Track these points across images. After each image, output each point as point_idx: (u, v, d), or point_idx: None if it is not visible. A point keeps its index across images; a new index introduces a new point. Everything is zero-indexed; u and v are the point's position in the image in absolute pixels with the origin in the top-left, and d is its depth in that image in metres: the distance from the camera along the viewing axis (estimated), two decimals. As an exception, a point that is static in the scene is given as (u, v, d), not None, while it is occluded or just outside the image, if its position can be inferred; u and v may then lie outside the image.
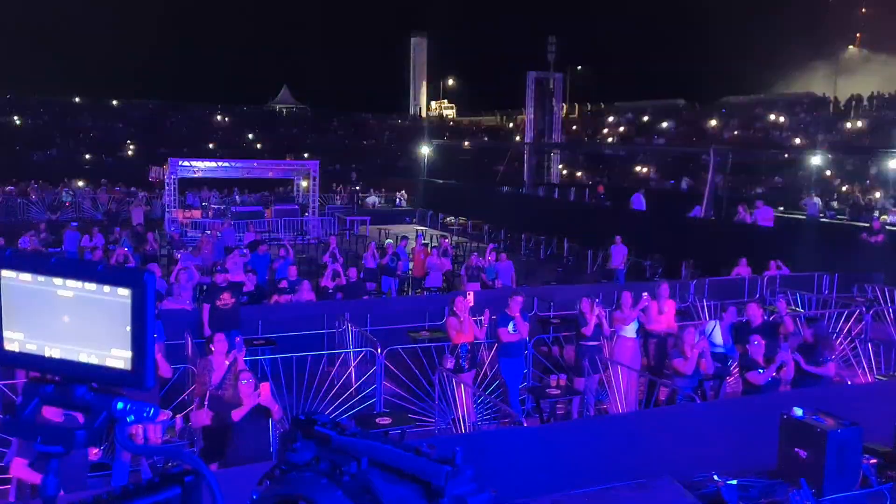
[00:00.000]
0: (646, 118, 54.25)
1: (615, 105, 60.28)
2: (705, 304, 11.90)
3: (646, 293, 9.60)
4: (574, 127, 55.23)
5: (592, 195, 24.82)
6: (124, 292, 0.93)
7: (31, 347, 0.97)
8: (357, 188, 37.03)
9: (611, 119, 57.37)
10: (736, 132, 46.28)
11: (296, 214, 26.86)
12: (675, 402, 7.89)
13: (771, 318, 9.49)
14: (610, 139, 51.79)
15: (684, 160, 37.86)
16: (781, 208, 22.05)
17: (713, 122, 49.33)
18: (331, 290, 12.28)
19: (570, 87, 50.66)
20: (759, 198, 21.71)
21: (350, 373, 8.93)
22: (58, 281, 0.94)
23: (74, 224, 19.32)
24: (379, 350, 8.48)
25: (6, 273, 0.95)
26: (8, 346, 0.97)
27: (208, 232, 20.94)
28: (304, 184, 29.25)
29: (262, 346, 9.69)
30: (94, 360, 0.95)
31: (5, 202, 30.18)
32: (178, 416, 7.41)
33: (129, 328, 0.93)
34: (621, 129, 54.39)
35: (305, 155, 48.43)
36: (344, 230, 26.34)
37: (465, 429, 7.82)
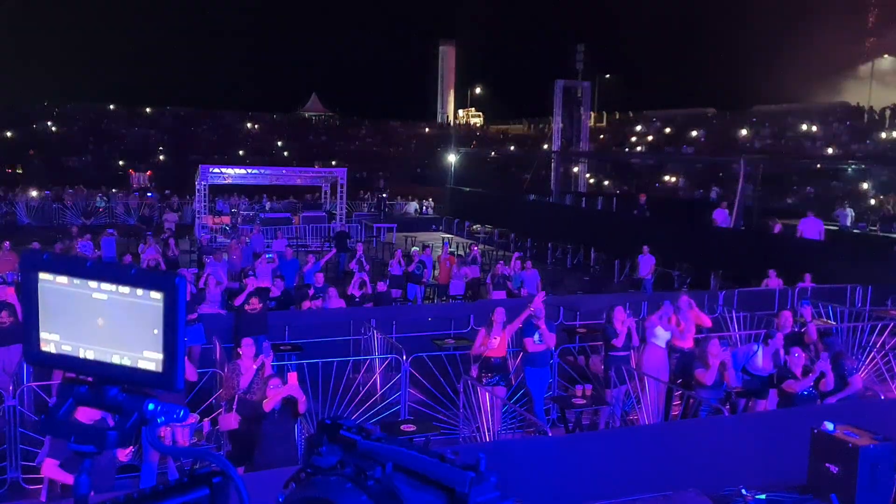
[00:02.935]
0: (675, 127, 53.79)
1: (643, 113, 59.92)
2: (734, 315, 11.73)
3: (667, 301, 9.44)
4: (602, 135, 55.00)
5: (633, 205, 24.16)
6: (157, 295, 0.95)
7: (67, 349, 0.99)
8: (384, 195, 37.20)
9: (639, 128, 57.02)
10: (767, 141, 45.69)
11: (323, 221, 27.06)
12: (699, 413, 7.77)
13: (801, 329, 9.34)
14: (638, 148, 51.45)
15: (714, 169, 37.46)
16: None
17: (744, 132, 48.79)
18: (357, 299, 12.34)
19: (598, 96, 50.45)
20: (793, 208, 21.32)
21: (375, 379, 8.95)
22: (93, 284, 0.96)
23: (111, 231, 19.64)
24: (404, 357, 8.49)
25: (44, 276, 0.97)
26: (45, 347, 0.99)
27: (237, 238, 21.18)
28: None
29: (289, 352, 9.76)
30: (126, 362, 0.97)
31: (41, 207, 30.86)
32: (206, 419, 7.49)
33: (160, 331, 0.95)
34: (650, 137, 54.02)
35: (333, 162, 48.83)
36: (371, 237, 26.46)
37: (490, 437, 7.79)
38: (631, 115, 61.20)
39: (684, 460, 5.94)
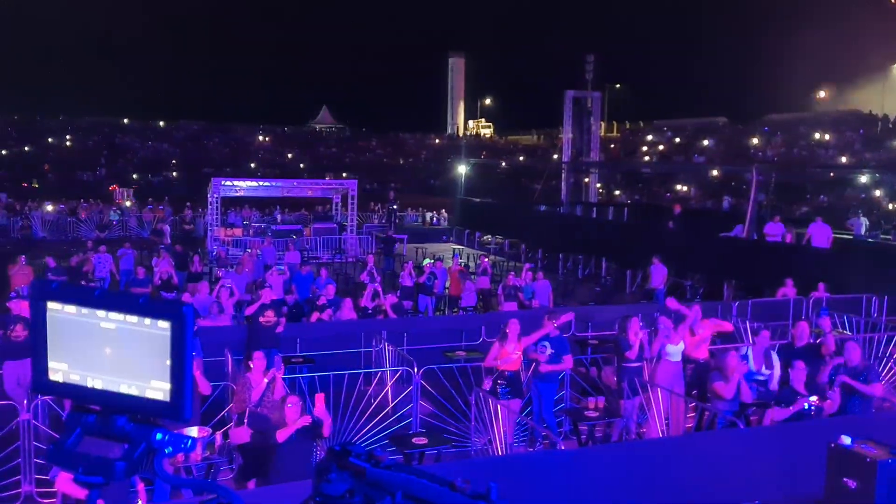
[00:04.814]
0: (686, 136, 53.66)
1: (654, 123, 59.82)
2: (748, 325, 11.63)
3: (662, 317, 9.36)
4: (612, 145, 54.94)
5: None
6: (164, 325, 0.94)
7: (75, 378, 0.99)
8: (395, 207, 37.30)
9: (650, 137, 56.93)
10: (780, 150, 45.48)
11: (334, 233, 27.13)
12: (716, 426, 7.69)
13: (818, 341, 9.23)
14: (648, 158, 51.32)
15: (726, 179, 37.28)
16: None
17: (755, 140, 48.58)
18: (370, 311, 12.35)
19: (609, 106, 50.45)
20: (805, 217, 21.10)
21: (386, 392, 8.92)
22: (101, 313, 0.96)
23: (128, 245, 19.72)
24: (415, 369, 8.47)
25: (52, 305, 0.97)
26: (53, 377, 0.99)
27: (249, 250, 21.26)
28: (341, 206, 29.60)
29: (301, 364, 9.76)
30: (134, 392, 0.97)
31: (56, 221, 31.12)
32: (218, 433, 7.49)
33: (168, 360, 0.95)
34: (660, 147, 53.89)
35: (344, 174, 49.01)
36: (381, 248, 26.48)
37: (502, 450, 7.74)
38: (641, 124, 61.12)
39: (699, 474, 5.88)
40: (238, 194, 29.20)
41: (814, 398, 7.20)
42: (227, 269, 16.61)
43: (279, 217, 31.82)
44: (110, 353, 0.97)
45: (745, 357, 8.69)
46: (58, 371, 0.99)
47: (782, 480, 5.52)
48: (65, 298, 0.97)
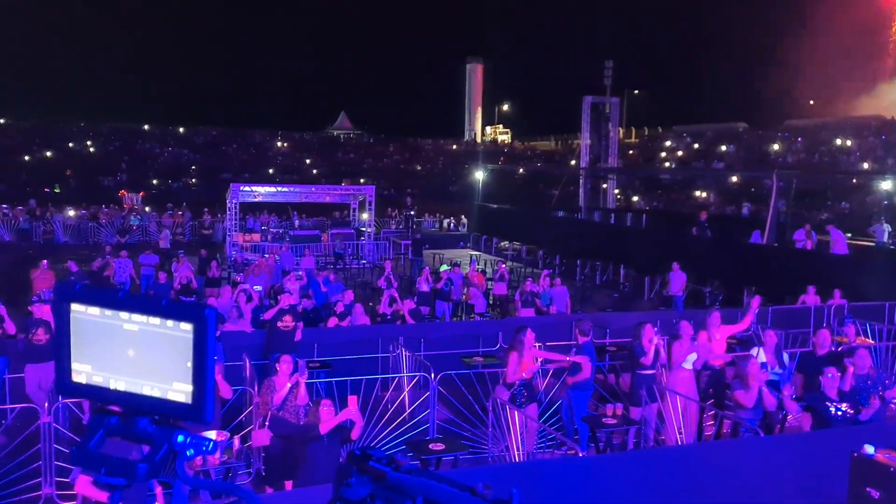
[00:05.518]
0: (705, 142, 53.30)
1: (673, 129, 59.47)
2: (762, 333, 11.49)
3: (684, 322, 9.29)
4: (631, 151, 54.68)
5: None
6: (187, 327, 0.95)
7: (98, 380, 0.99)
8: (412, 212, 37.36)
9: (668, 143, 56.58)
10: (800, 156, 45.02)
11: (352, 238, 27.23)
12: (738, 435, 7.61)
13: (839, 349, 9.11)
14: (668, 163, 51.01)
15: (746, 185, 36.96)
16: (849, 235, 21.21)
17: (776, 146, 48.12)
18: (388, 317, 12.37)
19: (627, 111, 50.24)
20: (827, 223, 20.82)
21: (403, 397, 8.92)
22: (124, 315, 0.97)
23: (150, 251, 19.97)
24: (432, 375, 8.46)
25: (76, 307, 0.98)
26: (76, 378, 1.00)
27: (267, 255, 21.39)
28: (364, 216, 29.71)
29: (318, 369, 9.78)
30: (156, 394, 0.97)
31: (78, 226, 31.52)
32: (236, 436, 7.52)
33: (190, 362, 0.95)
34: (679, 153, 53.55)
35: (362, 180, 49.20)
36: (399, 254, 26.54)
37: (519, 456, 7.70)
38: (660, 130, 60.78)
39: (719, 482, 5.81)
40: (256, 199, 29.43)
41: (844, 405, 7.11)
42: (245, 274, 16.73)
43: (297, 222, 32.01)
44: (133, 354, 0.97)
45: (755, 357, 8.64)
46: (81, 373, 1.00)
47: (804, 489, 5.44)
48: (88, 300, 0.98)
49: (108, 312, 0.97)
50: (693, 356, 8.73)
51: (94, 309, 0.97)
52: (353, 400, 6.63)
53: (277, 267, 18.15)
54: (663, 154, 54.60)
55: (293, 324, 10.02)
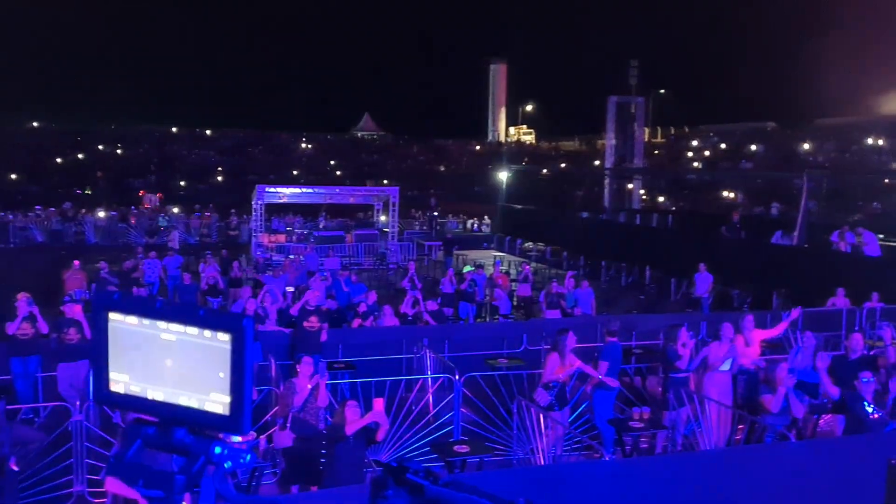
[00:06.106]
0: (733, 142, 52.65)
1: (700, 128, 58.83)
2: (799, 336, 11.30)
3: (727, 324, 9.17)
4: (656, 151, 54.20)
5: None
6: (224, 337, 0.94)
7: (136, 389, 0.99)
8: (436, 213, 37.37)
9: (695, 143, 56.00)
10: (831, 155, 44.28)
11: (375, 239, 27.30)
12: (763, 440, 7.48)
13: (871, 352, 8.92)
14: (694, 164, 50.48)
15: (774, 185, 36.44)
16: (881, 236, 20.79)
17: (806, 146, 47.39)
18: (410, 318, 12.37)
19: (653, 111, 49.78)
20: (858, 224, 20.44)
21: (428, 399, 8.91)
22: (162, 324, 0.96)
23: (173, 252, 20.18)
24: (457, 377, 8.43)
25: (114, 316, 0.98)
26: (114, 388, 0.99)
27: (291, 256, 21.53)
28: (383, 218, 29.80)
29: (342, 370, 9.81)
30: (193, 404, 0.96)
31: (108, 227, 32.01)
32: (262, 436, 7.57)
33: (228, 373, 0.94)
34: (706, 153, 52.97)
35: (385, 181, 49.34)
36: (422, 255, 26.55)
37: (546, 460, 7.65)
38: (687, 130, 60.15)
39: (748, 489, 5.71)
40: (281, 201, 29.63)
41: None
42: (269, 275, 16.84)
43: (321, 223, 32.19)
44: (171, 364, 0.97)
45: (795, 359, 8.50)
46: (119, 382, 0.99)
47: (838, 498, 5.33)
48: (126, 309, 0.97)
49: (146, 322, 0.97)
50: (728, 360, 8.61)
51: (132, 318, 0.97)
52: (378, 402, 6.65)
53: (302, 267, 18.25)
54: (690, 154, 54.04)
55: (319, 325, 10.06)
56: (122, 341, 0.98)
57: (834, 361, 8.79)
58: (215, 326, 0.94)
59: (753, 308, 15.95)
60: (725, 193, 42.63)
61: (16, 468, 5.94)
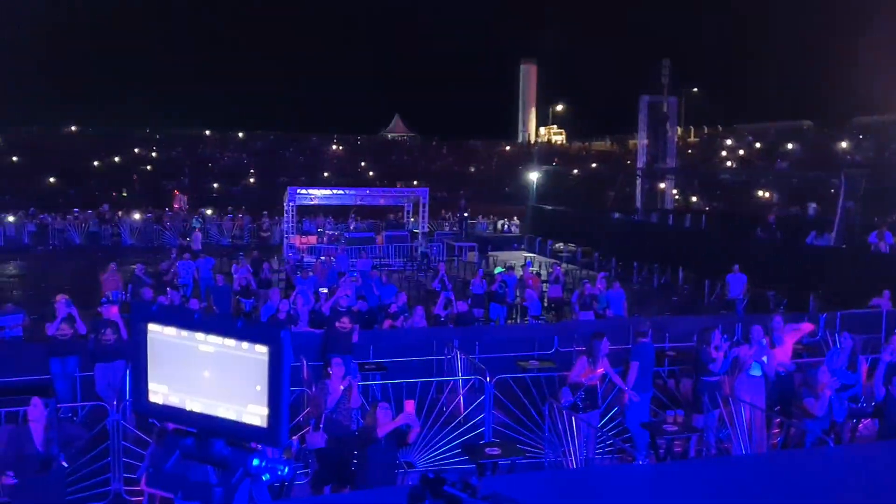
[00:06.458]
0: (768, 141, 51.76)
1: (734, 128, 57.93)
2: (837, 339, 11.05)
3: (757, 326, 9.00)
4: (689, 151, 53.51)
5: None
6: (262, 349, 0.93)
7: (174, 400, 0.99)
8: (466, 214, 37.35)
9: (729, 142, 55.16)
10: (869, 154, 43.28)
11: (406, 241, 27.35)
12: (803, 444, 7.33)
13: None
14: (728, 163, 49.73)
15: (811, 185, 35.72)
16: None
17: (843, 144, 46.38)
18: (443, 319, 12.37)
19: (686, 110, 49.12)
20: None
21: (459, 400, 8.90)
22: (200, 336, 0.96)
23: (188, 255, 20.38)
24: (488, 378, 8.41)
25: (153, 327, 0.98)
26: (153, 398, 1.00)
27: (322, 258, 21.67)
28: (412, 220, 29.85)
29: (374, 371, 9.84)
30: (231, 416, 0.96)
31: (143, 228, 32.59)
32: (294, 437, 7.62)
33: (265, 385, 0.94)
34: (741, 152, 52.16)
35: (415, 182, 49.46)
36: (452, 256, 26.54)
37: (577, 463, 7.59)
38: (720, 129, 59.28)
39: (785, 494, 5.60)
40: (313, 202, 29.84)
41: None
42: (299, 276, 16.96)
43: (352, 225, 32.37)
44: (209, 376, 0.97)
45: (834, 360, 8.32)
46: (158, 393, 1.00)
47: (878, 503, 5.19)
48: (165, 320, 0.97)
49: (185, 333, 0.97)
50: (762, 360, 8.45)
51: (171, 329, 0.97)
52: (409, 404, 6.66)
53: (332, 269, 18.35)
54: (724, 153, 53.26)
55: (350, 325, 10.10)
56: (160, 352, 0.98)
57: (873, 364, 8.59)
58: (253, 339, 0.94)
59: (789, 310, 15.65)
60: (760, 193, 41.90)
61: (65, 465, 6.08)
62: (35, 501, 5.84)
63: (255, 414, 0.95)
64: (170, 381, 0.99)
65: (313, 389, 7.76)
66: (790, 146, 48.55)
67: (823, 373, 7.50)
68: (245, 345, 0.95)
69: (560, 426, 7.73)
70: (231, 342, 0.95)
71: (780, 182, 40.18)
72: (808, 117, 54.23)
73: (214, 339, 0.96)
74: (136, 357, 1.00)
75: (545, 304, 16.71)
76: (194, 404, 0.98)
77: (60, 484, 6.19)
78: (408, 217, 30.59)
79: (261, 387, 0.94)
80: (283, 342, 0.93)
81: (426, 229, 28.22)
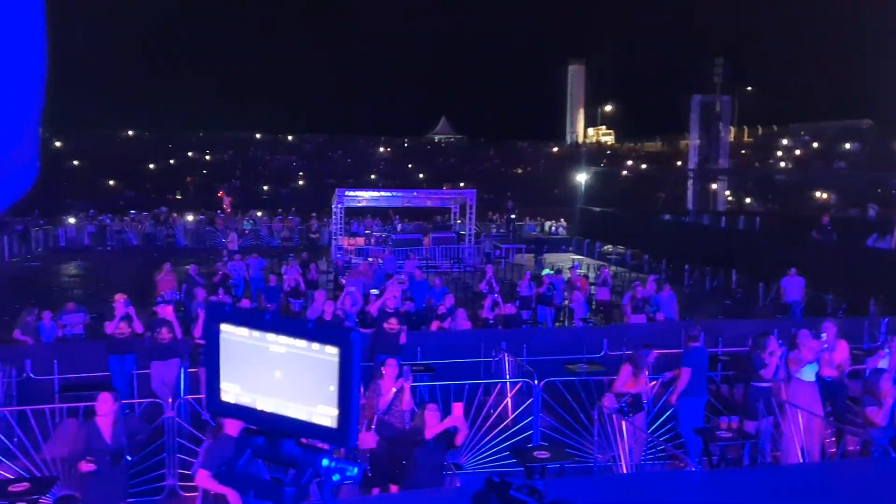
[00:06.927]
0: (825, 140, 50.24)
1: (790, 127, 56.38)
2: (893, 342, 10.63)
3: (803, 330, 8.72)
4: (743, 151, 52.31)
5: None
6: (332, 350, 0.94)
7: (245, 400, 1.01)
8: (513, 216, 37.22)
9: (785, 142, 53.73)
10: (933, 153, 41.63)
11: (453, 242, 27.37)
12: (869, 454, 7.08)
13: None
14: (783, 164, 48.44)
15: (871, 185, 34.53)
16: None
17: (905, 143, 44.71)
18: (491, 321, 12.35)
19: (739, 110, 48.02)
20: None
21: (506, 403, 8.86)
22: (271, 337, 0.98)
23: (255, 255, 20.78)
24: (536, 381, 8.35)
25: (225, 327, 1.00)
26: (224, 397, 1.02)
27: (370, 259, 21.85)
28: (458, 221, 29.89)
29: (421, 373, 9.88)
30: (301, 416, 0.98)
31: (196, 230, 33.42)
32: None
33: (335, 386, 0.95)
34: (797, 152, 50.76)
35: (462, 184, 49.51)
36: (499, 258, 26.46)
37: (628, 468, 7.48)
38: (775, 129, 57.75)
39: (846, 506, 5.40)
40: (360, 204, 30.12)
41: None
42: (349, 278, 17.13)
43: (399, 227, 32.56)
44: (279, 376, 0.98)
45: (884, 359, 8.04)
46: (229, 392, 1.01)
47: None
48: (237, 321, 0.99)
49: (256, 334, 0.99)
50: (811, 367, 8.21)
51: (243, 330, 0.99)
52: (457, 406, 6.66)
53: (379, 270, 18.49)
54: (779, 153, 51.91)
55: (398, 327, 10.17)
56: (232, 352, 1.00)
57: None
58: (323, 340, 0.95)
59: (849, 315, 15.15)
60: (818, 195, 40.70)
61: (130, 458, 6.28)
62: (104, 493, 6.04)
63: (325, 415, 0.96)
64: (241, 380, 1.00)
65: (362, 389, 7.82)
66: (848, 146, 47.04)
67: (886, 380, 7.24)
68: (316, 346, 0.96)
69: (609, 430, 7.64)
70: (302, 343, 0.97)
71: (837, 183, 38.96)
72: (868, 116, 52.44)
73: (285, 339, 0.97)
74: (209, 356, 1.02)
75: (592, 307, 16.54)
76: (265, 404, 1.00)
77: (126, 477, 6.39)
78: (455, 219, 30.62)
79: (332, 388, 0.95)
80: (354, 343, 0.94)
81: (473, 231, 28.21)
